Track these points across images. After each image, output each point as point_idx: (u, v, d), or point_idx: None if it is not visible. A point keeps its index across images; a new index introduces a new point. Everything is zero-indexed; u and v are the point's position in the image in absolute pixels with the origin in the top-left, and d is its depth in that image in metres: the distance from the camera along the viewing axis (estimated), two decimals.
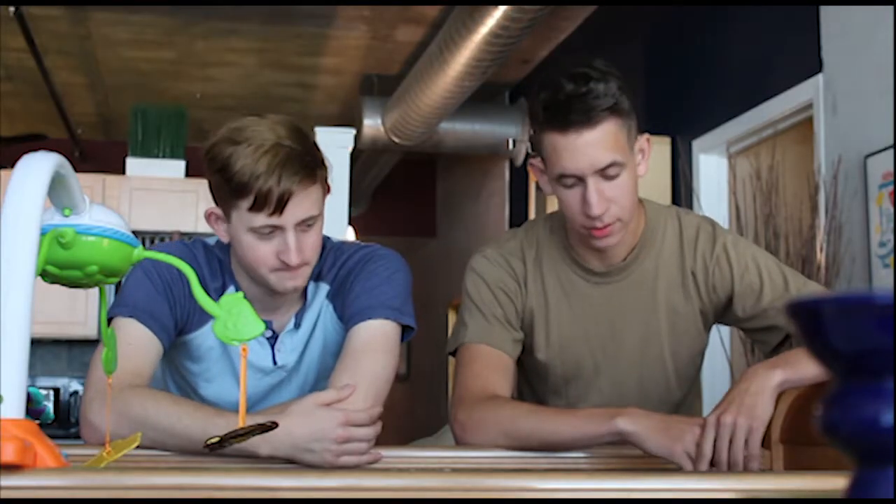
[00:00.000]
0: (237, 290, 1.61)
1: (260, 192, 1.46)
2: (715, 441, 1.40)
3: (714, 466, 1.40)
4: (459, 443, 1.60)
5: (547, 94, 1.55)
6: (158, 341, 1.55)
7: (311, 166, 1.51)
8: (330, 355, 1.65)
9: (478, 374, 1.65)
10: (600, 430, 1.47)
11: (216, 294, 1.60)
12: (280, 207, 1.47)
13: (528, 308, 1.72)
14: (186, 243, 1.66)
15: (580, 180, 1.55)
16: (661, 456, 1.43)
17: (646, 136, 1.64)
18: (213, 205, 1.56)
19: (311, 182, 1.50)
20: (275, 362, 1.65)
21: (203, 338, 1.63)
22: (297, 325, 1.65)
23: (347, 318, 1.60)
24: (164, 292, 1.57)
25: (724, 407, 1.43)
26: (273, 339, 1.65)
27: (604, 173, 1.54)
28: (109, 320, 1.47)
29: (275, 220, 1.49)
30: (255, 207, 1.47)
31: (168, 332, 1.57)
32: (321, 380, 1.67)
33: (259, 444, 1.36)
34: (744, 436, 1.40)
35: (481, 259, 1.75)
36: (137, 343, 1.52)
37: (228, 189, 1.49)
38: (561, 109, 1.52)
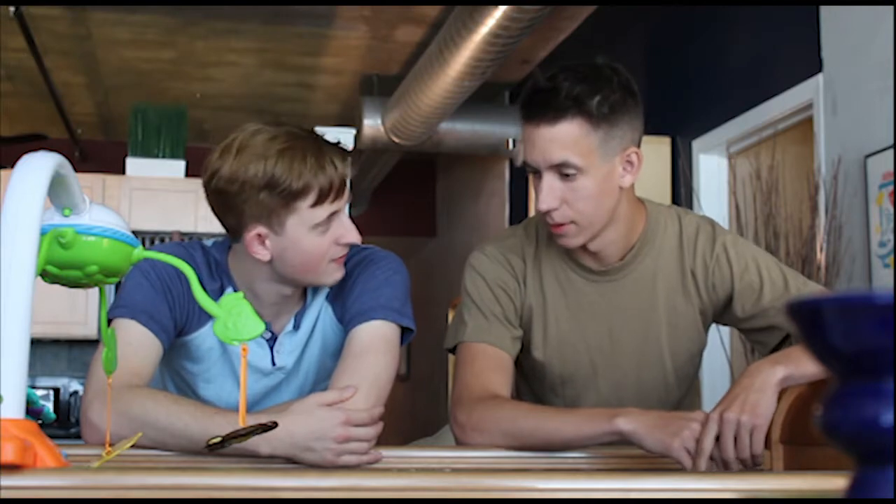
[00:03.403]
0: (235, 291, 1.61)
1: (322, 184, 1.50)
2: (718, 438, 1.40)
3: (713, 460, 1.40)
4: (459, 443, 1.60)
5: (529, 84, 1.62)
6: (158, 342, 1.55)
7: (340, 146, 1.57)
8: (329, 357, 1.66)
9: (477, 374, 1.64)
10: (600, 429, 1.47)
11: (214, 296, 1.60)
12: (341, 191, 1.53)
13: (527, 306, 1.72)
14: (184, 244, 1.66)
15: (540, 173, 1.58)
16: (660, 452, 1.42)
17: (634, 149, 1.62)
18: (256, 228, 1.52)
19: (349, 161, 1.57)
20: (273, 363, 1.65)
21: (202, 338, 1.63)
22: (297, 327, 1.65)
23: (348, 319, 1.60)
24: (162, 293, 1.57)
25: (727, 404, 1.42)
26: (272, 341, 1.65)
27: (559, 171, 1.56)
28: (109, 321, 1.47)
29: (336, 205, 1.53)
30: (320, 200, 1.50)
31: (167, 333, 1.57)
32: (320, 381, 1.67)
33: (259, 443, 1.36)
34: (748, 433, 1.40)
35: (480, 256, 1.75)
36: (137, 343, 1.52)
37: (283, 197, 1.49)
38: (527, 101, 1.59)
